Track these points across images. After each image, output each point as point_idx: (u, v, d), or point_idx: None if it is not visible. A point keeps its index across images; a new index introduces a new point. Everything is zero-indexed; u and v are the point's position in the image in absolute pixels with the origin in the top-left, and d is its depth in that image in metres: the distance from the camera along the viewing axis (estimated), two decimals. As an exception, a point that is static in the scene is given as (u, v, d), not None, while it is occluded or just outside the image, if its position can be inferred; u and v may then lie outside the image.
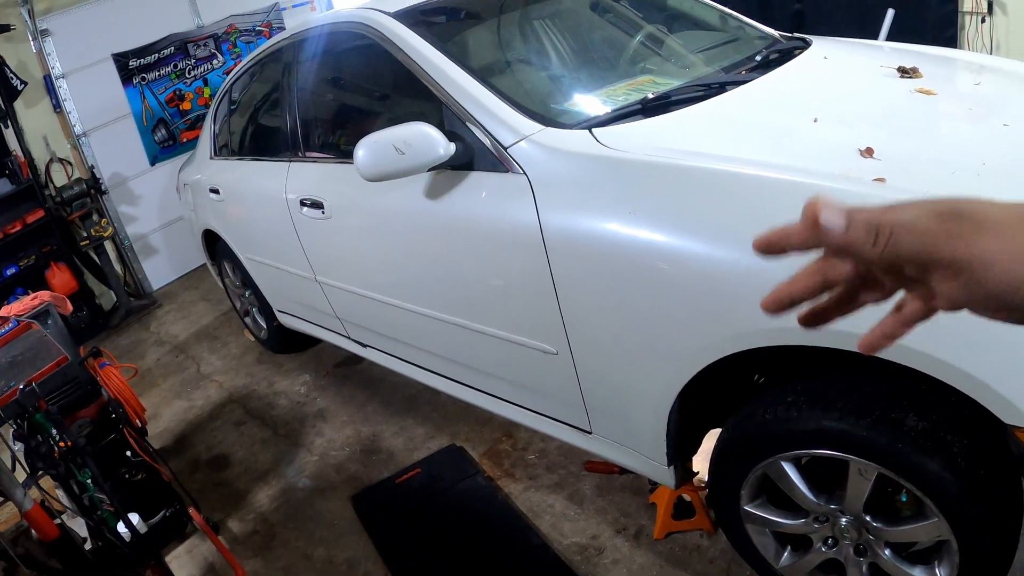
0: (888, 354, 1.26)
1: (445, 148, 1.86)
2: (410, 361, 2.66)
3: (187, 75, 5.39)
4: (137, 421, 2.71)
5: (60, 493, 2.46)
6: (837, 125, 1.68)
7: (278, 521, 2.75)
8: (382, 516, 2.61)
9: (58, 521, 1.96)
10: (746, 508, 1.73)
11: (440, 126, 1.93)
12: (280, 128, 2.86)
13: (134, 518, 2.55)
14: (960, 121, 1.76)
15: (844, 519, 1.59)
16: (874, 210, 0.43)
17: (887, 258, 0.41)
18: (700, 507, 2.20)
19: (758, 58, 2.19)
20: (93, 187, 4.84)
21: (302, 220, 2.67)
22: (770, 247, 0.50)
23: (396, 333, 2.57)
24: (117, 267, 5.16)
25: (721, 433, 1.74)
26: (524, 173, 1.77)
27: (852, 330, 1.24)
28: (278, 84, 2.90)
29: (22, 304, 2.57)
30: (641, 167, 1.60)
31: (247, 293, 3.83)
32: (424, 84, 2.04)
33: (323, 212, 2.51)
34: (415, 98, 2.14)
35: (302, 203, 2.63)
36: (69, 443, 1.88)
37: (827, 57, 2.21)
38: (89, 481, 1.98)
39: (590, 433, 2.01)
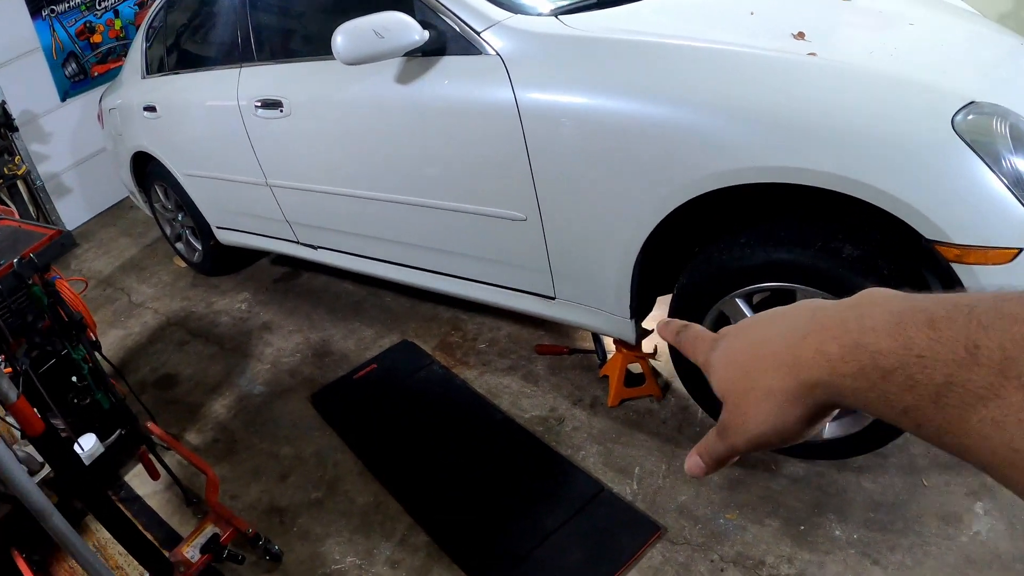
0: (825, 183, 1.53)
1: (420, 34, 2.00)
2: (366, 255, 2.79)
3: (97, 7, 5.15)
4: (92, 335, 2.71)
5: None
6: (770, 17, 1.95)
7: (238, 428, 2.83)
8: (344, 410, 2.74)
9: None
10: None
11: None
12: (228, 36, 2.88)
13: (90, 439, 2.56)
14: (874, 20, 2.08)
15: None
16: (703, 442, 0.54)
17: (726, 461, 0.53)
18: (649, 375, 2.47)
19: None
20: (4, 124, 4.58)
21: (256, 123, 2.73)
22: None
23: (355, 227, 2.70)
24: (30, 208, 4.93)
25: (679, 281, 1.99)
26: (497, 54, 1.93)
27: (790, 163, 1.56)
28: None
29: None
30: (608, 44, 1.81)
31: (180, 216, 3.80)
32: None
33: (281, 111, 2.59)
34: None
35: (257, 105, 2.68)
36: (63, 318, 1.90)
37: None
38: (83, 362, 2.00)
39: (554, 299, 2.23)
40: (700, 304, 1.93)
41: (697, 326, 0.58)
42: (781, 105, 1.56)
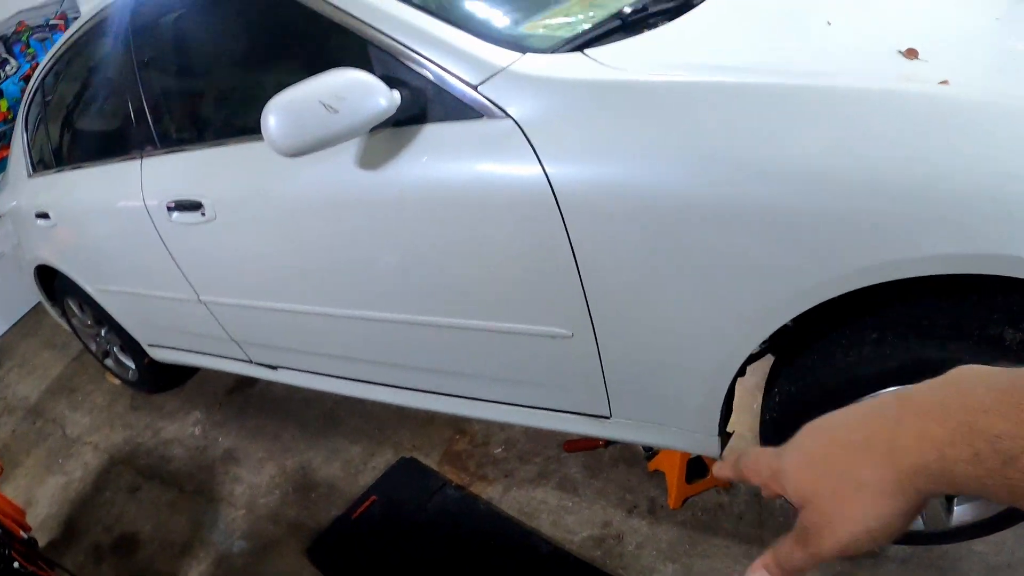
0: (981, 267, 0.96)
1: (388, 98, 1.27)
2: (345, 376, 2.02)
3: (-25, 88, 4.14)
4: (21, 533, 1.91)
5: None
6: (852, 27, 1.32)
7: (227, 605, 2.05)
8: (350, 564, 2.00)
9: None
10: None
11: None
12: (122, 119, 2.06)
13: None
14: (956, 12, 1.47)
15: None
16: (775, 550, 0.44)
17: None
18: (712, 464, 1.86)
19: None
20: None
21: (172, 229, 1.93)
22: None
23: (325, 347, 1.92)
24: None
25: (781, 388, 1.36)
26: (508, 116, 1.22)
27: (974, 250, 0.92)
28: (110, 64, 2.09)
29: None
30: (680, 90, 1.12)
31: (103, 332, 2.93)
32: (335, 23, 1.41)
33: (202, 215, 1.80)
34: (319, 47, 1.51)
35: (170, 208, 1.88)
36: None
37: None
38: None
39: (608, 418, 1.54)
40: (810, 418, 1.28)
41: (754, 448, 0.50)
42: (947, 168, 0.94)
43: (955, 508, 1.45)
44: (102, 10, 2.09)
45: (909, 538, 1.55)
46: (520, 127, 1.20)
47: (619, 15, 1.36)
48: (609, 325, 1.32)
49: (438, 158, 1.30)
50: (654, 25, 1.37)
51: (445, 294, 1.47)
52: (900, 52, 1.16)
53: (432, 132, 1.31)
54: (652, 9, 1.40)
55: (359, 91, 1.23)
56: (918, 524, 1.49)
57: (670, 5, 1.43)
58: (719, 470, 0.53)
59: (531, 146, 1.19)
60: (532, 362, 1.50)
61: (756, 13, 1.46)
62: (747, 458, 0.49)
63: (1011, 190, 0.90)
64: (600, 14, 1.43)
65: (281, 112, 1.22)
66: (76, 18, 4.60)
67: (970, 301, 1.15)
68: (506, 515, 1.96)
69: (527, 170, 1.20)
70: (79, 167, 2.33)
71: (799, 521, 0.42)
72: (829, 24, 1.32)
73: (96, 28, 2.13)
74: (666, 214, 1.12)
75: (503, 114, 1.22)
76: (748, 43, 1.32)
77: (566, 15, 1.48)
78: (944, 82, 1.04)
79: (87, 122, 2.39)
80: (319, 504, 2.21)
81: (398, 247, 1.45)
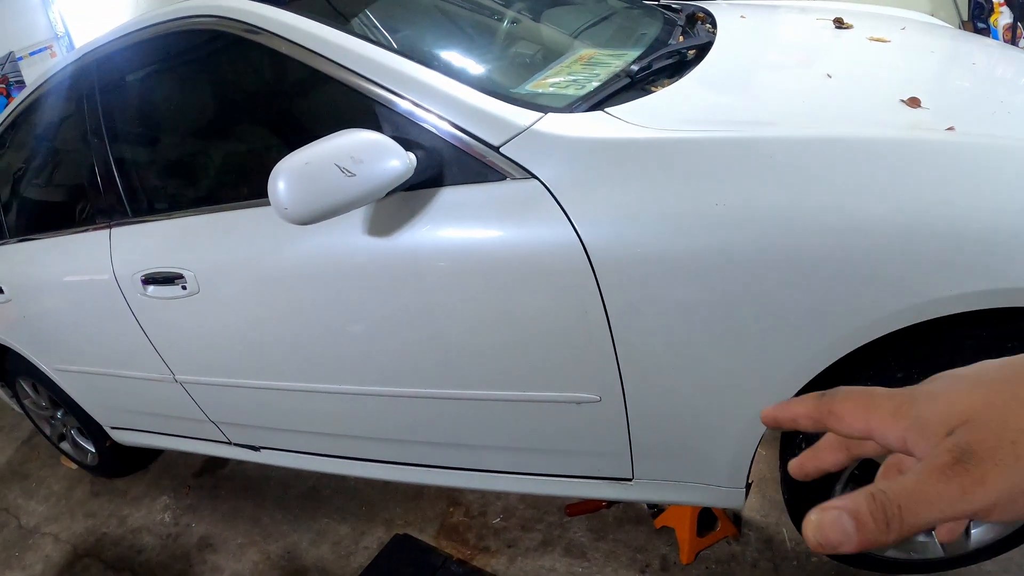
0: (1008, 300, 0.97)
1: (405, 161, 1.17)
2: (339, 455, 1.84)
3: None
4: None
5: None
6: (852, 79, 1.35)
7: None
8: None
9: None
10: None
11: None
12: (87, 187, 1.88)
13: None
14: (941, 63, 1.54)
15: None
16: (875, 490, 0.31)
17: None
18: (721, 513, 1.82)
19: (679, 23, 1.77)
20: None
21: (146, 304, 1.76)
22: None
23: (323, 425, 1.75)
24: None
25: (808, 436, 1.32)
26: (535, 177, 1.14)
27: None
28: (73, 129, 1.92)
29: None
30: (709, 146, 1.08)
31: (60, 414, 2.66)
32: (337, 80, 1.31)
33: (183, 288, 1.63)
34: (319, 107, 1.41)
35: (144, 281, 1.71)
36: None
37: (744, 16, 1.84)
38: None
39: (630, 481, 1.44)
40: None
41: (843, 388, 0.38)
42: (970, 210, 0.95)
43: (972, 531, 1.44)
44: (59, 71, 1.93)
45: (927, 566, 1.52)
46: (548, 188, 1.12)
47: (628, 73, 1.32)
48: (640, 387, 1.23)
49: (458, 222, 1.21)
50: (659, 83, 1.34)
51: (465, 365, 1.36)
52: (903, 101, 1.17)
53: (450, 195, 1.22)
54: (657, 66, 1.37)
55: (376, 153, 1.13)
56: (937, 551, 1.48)
57: (673, 61, 1.41)
58: (779, 412, 0.41)
59: (561, 208, 1.11)
60: (552, 429, 1.39)
61: (758, 69, 1.46)
62: (838, 395, 0.38)
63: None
64: (604, 71, 1.39)
65: (292, 176, 1.10)
66: (19, 81, 4.39)
67: (977, 336, 1.15)
68: (516, 587, 1.82)
69: (558, 232, 1.11)
70: (37, 238, 2.13)
71: (953, 444, 0.31)
72: (830, 77, 1.32)
73: (53, 90, 1.96)
74: (704, 269, 1.06)
75: (528, 175, 1.14)
76: (759, 98, 1.30)
77: (569, 73, 1.42)
78: (951, 128, 1.06)
79: (46, 190, 2.19)
80: (311, 590, 2.00)
81: (413, 318, 1.32)
